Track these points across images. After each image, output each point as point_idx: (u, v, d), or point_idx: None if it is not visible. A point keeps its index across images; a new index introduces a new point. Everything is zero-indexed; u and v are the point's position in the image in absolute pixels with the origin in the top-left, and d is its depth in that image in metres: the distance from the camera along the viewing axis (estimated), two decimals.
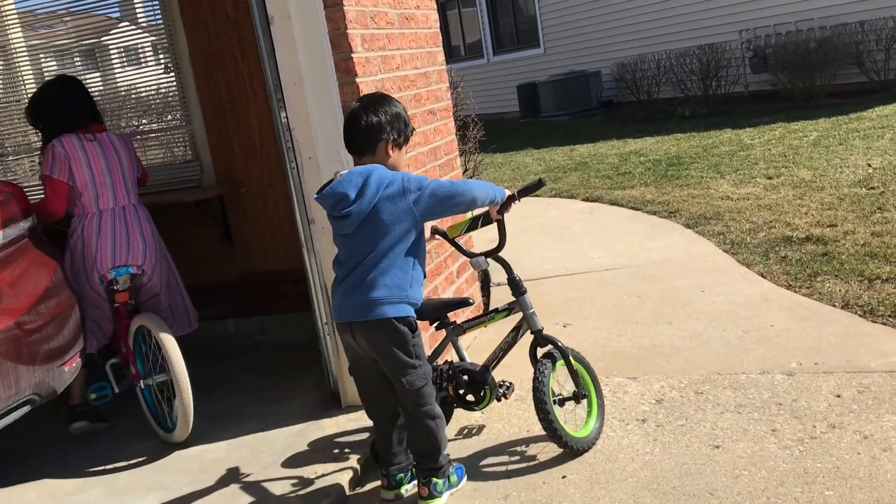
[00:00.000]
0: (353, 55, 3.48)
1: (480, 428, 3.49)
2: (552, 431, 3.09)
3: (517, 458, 3.22)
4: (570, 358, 3.19)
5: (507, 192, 3.01)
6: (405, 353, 2.79)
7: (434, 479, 2.89)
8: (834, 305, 4.31)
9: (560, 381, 3.24)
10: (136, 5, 4.80)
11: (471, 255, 3.31)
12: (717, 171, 7.90)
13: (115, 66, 5.71)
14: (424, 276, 2.89)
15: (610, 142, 11.03)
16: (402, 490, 3.02)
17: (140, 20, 5.11)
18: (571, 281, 5.45)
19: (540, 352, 3.25)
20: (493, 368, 3.29)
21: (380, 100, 2.83)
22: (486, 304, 5.05)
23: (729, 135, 9.79)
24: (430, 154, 4.27)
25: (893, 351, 3.67)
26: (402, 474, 3.02)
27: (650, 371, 3.86)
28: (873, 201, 5.88)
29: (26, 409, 3.10)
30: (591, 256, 5.91)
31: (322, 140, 3.54)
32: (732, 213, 6.29)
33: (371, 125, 2.75)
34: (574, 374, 3.24)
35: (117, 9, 5.15)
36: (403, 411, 2.92)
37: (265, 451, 3.47)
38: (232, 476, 3.31)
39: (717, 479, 2.86)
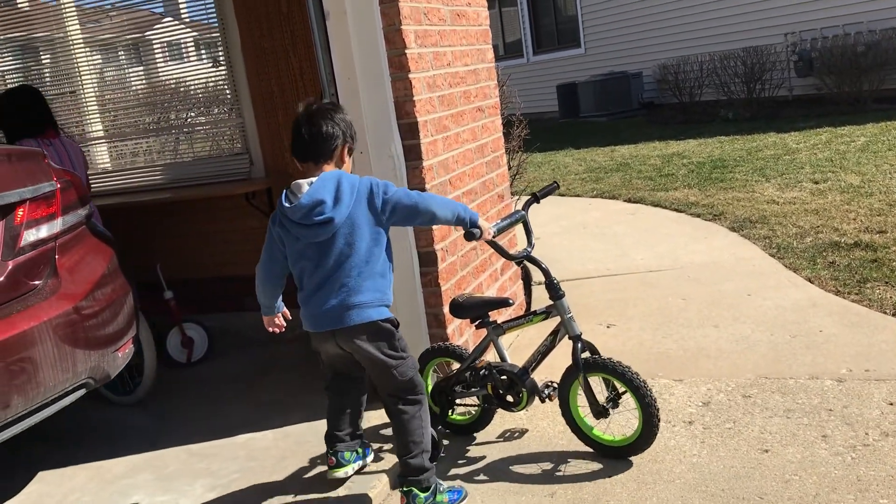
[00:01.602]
0: (406, 51, 3.50)
1: (523, 431, 3.49)
2: (584, 440, 3.16)
3: (563, 455, 3.22)
4: (581, 377, 3.07)
5: (481, 221, 2.92)
6: (393, 349, 2.83)
7: (416, 491, 2.82)
8: (885, 312, 4.24)
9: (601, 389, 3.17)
10: (191, 2, 4.86)
11: (511, 257, 3.25)
12: (762, 174, 7.81)
13: (166, 59, 5.81)
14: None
15: (651, 143, 10.94)
16: (350, 468, 3.05)
17: (193, 16, 5.18)
18: (614, 282, 5.42)
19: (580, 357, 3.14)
20: (532, 371, 3.25)
21: (332, 107, 2.86)
22: (529, 303, 5.05)
23: (773, 138, 9.67)
24: (478, 151, 4.28)
25: None
26: (349, 452, 3.06)
27: (696, 374, 3.83)
28: None
29: (82, 392, 3.16)
30: (634, 257, 5.88)
31: (373, 134, 3.56)
32: (778, 217, 6.21)
33: (331, 132, 2.76)
34: (606, 382, 3.13)
35: (172, 4, 5.22)
36: (391, 408, 2.89)
37: (311, 441, 3.50)
38: (279, 465, 3.35)
39: (767, 484, 2.83)
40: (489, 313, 3.32)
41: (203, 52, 5.46)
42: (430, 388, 3.44)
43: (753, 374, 3.73)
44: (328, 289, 2.76)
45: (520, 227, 3.36)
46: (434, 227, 3.66)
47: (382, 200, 2.73)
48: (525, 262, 3.21)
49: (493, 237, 3.02)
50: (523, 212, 3.25)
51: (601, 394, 3.11)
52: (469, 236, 2.93)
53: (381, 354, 2.81)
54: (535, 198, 3.31)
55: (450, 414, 3.47)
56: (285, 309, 3.03)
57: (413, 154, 3.58)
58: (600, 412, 3.10)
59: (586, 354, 3.11)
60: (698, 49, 13.83)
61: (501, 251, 3.14)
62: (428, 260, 3.65)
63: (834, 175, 7.22)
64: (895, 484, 2.74)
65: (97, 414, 4.20)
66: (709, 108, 13.14)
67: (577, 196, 8.37)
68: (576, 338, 3.11)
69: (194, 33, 5.31)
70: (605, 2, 15.92)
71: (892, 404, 3.29)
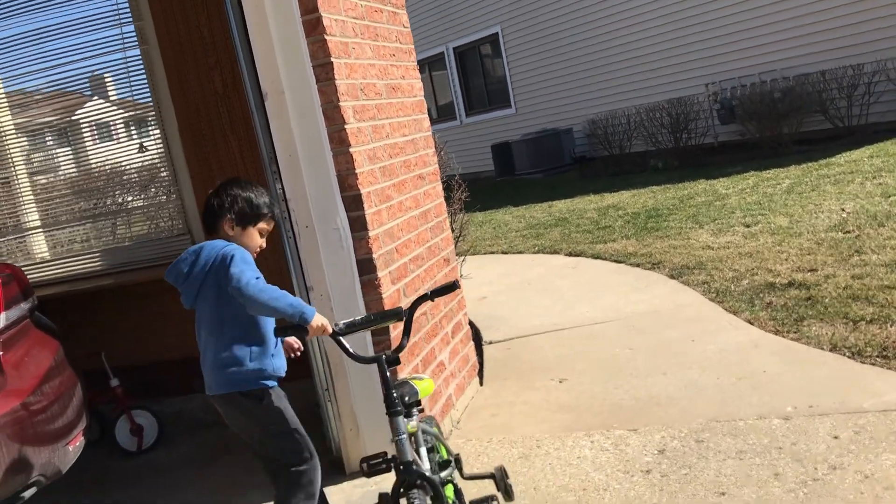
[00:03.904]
0: (346, 126, 3.58)
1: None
2: None
3: None
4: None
5: (318, 317, 2.71)
6: (258, 423, 2.81)
7: None
8: (822, 348, 4.40)
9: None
10: (124, 84, 4.88)
11: (357, 359, 2.83)
12: (695, 221, 8.07)
13: (96, 143, 5.79)
14: (275, 344, 2.86)
15: (587, 197, 11.22)
16: None
17: (126, 97, 5.20)
18: (561, 336, 5.51)
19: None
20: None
21: (228, 183, 2.93)
22: (481, 363, 5.10)
23: (703, 185, 10.01)
24: (422, 217, 4.36)
25: (885, 390, 3.75)
26: None
27: (649, 422, 3.90)
28: (850, 245, 6.03)
29: (32, 490, 3.08)
30: (579, 311, 5.99)
31: (318, 208, 3.62)
32: (714, 262, 6.42)
33: (213, 205, 2.88)
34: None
35: (100, 87, 5.23)
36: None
37: None
38: None
39: None
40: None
41: (139, 134, 5.47)
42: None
43: (704, 419, 3.82)
44: (205, 355, 2.85)
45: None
46: (383, 293, 3.71)
47: (227, 273, 2.71)
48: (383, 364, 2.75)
49: (342, 334, 2.77)
50: (403, 309, 2.92)
51: None
52: (289, 330, 2.76)
53: (247, 429, 2.84)
54: (428, 296, 2.85)
55: None
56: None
57: (359, 225, 3.63)
58: None
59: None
60: (625, 103, 14.33)
61: (346, 352, 2.78)
62: (380, 329, 3.68)
63: (763, 218, 7.51)
64: None
65: None
66: (639, 158, 13.57)
67: (520, 253, 8.51)
68: (406, 464, 2.62)
69: (127, 114, 5.32)
70: (532, 63, 16.43)
71: (836, 437, 3.40)
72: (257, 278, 2.71)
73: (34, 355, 3.27)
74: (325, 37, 3.53)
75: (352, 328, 2.83)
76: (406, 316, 2.83)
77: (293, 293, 3.76)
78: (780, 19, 12.04)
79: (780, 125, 11.52)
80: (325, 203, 3.61)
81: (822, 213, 7.18)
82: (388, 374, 2.74)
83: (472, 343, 4.91)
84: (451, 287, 2.88)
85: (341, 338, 2.78)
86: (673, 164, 12.47)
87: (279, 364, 2.88)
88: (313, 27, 3.52)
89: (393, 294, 3.80)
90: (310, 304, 3.70)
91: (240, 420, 2.85)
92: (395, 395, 2.69)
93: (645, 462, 3.50)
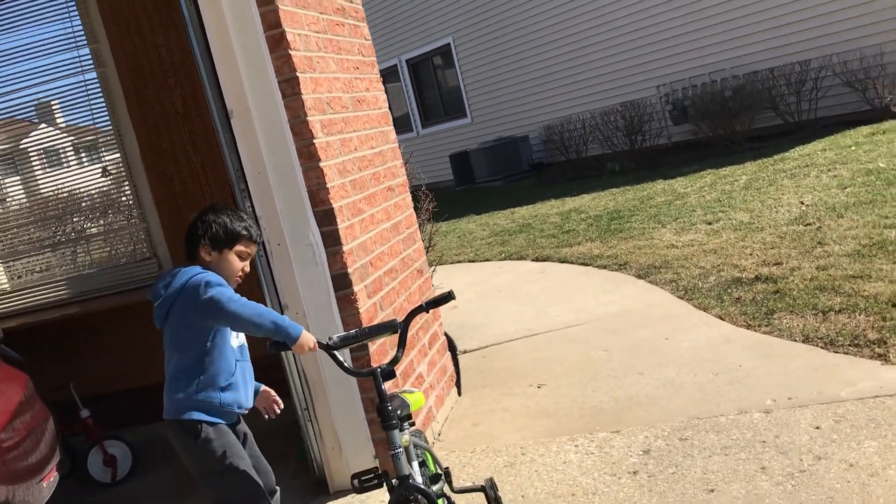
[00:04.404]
0: (314, 141, 3.54)
1: None
2: None
3: None
4: None
5: (303, 336, 2.64)
6: (194, 459, 2.73)
7: None
8: (795, 340, 4.46)
9: None
10: (83, 109, 4.77)
11: (352, 373, 2.84)
12: (657, 221, 8.15)
13: (52, 171, 5.65)
14: (231, 377, 2.75)
15: (548, 202, 11.28)
16: None
17: (86, 123, 5.09)
18: (536, 341, 5.51)
19: None
20: None
21: (205, 209, 2.89)
22: (457, 372, 5.08)
23: (662, 185, 10.13)
24: (393, 229, 4.33)
25: (859, 378, 3.81)
26: None
27: (631, 423, 3.91)
28: (812, 237, 6.14)
29: None
30: (551, 315, 6.00)
31: (289, 225, 3.57)
32: (680, 261, 6.48)
33: (189, 232, 2.84)
34: None
35: (46, 112, 5.11)
36: None
37: None
38: None
39: None
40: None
41: (94, 159, 5.36)
42: None
43: (685, 416, 3.84)
44: (166, 377, 2.78)
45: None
46: (360, 308, 3.67)
47: (198, 296, 2.66)
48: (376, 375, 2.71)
49: (336, 348, 2.72)
50: (398, 321, 2.82)
51: None
52: (274, 347, 2.67)
53: (187, 460, 2.75)
54: (424, 308, 2.82)
55: None
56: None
57: (332, 240, 3.59)
58: None
59: None
60: (580, 108, 14.47)
61: (340, 365, 2.74)
62: (358, 346, 3.63)
63: (724, 214, 7.61)
64: None
65: None
66: (596, 162, 13.69)
67: (487, 260, 8.52)
68: (403, 479, 2.58)
69: (85, 139, 5.21)
70: (485, 72, 16.50)
71: (818, 428, 3.44)
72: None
73: (3, 390, 3.17)
74: (290, 52, 3.49)
75: (346, 342, 2.78)
76: (401, 328, 2.77)
77: None
78: (727, 19, 12.26)
79: (732, 123, 11.71)
80: (296, 219, 3.57)
81: (781, 206, 7.31)
82: (383, 387, 2.68)
83: (448, 353, 4.88)
84: (446, 298, 2.80)
85: (335, 352, 2.74)
86: (629, 166, 12.60)
87: (231, 399, 2.74)
88: (277, 42, 3.48)
89: (370, 308, 3.77)
90: None
91: (180, 451, 2.75)
92: (389, 408, 2.65)
93: (631, 463, 3.51)
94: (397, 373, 2.84)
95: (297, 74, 3.50)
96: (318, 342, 2.71)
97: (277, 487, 2.95)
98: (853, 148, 8.87)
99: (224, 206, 2.92)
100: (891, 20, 10.54)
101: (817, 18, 11.22)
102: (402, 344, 2.76)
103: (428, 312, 2.85)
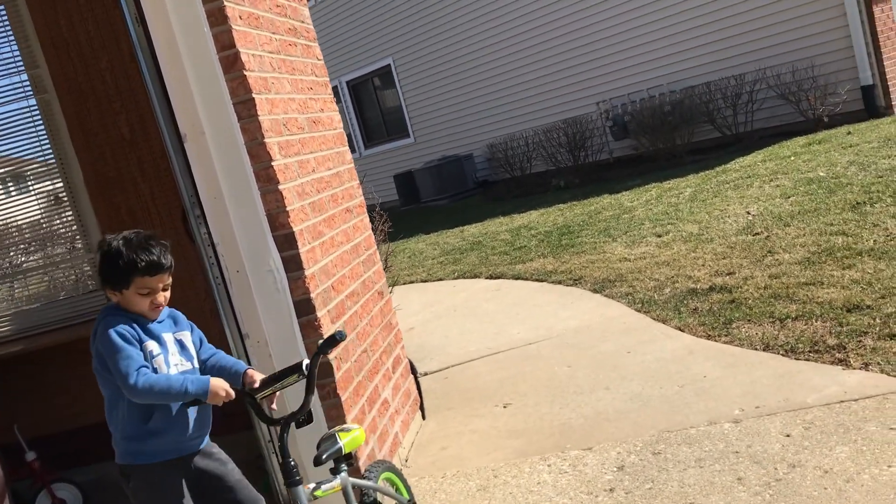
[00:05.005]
0: (272, 163, 3.44)
1: None
2: None
3: None
4: None
5: (212, 383, 2.50)
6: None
7: None
8: (755, 349, 4.49)
9: None
10: (19, 137, 4.56)
11: (266, 420, 2.75)
12: (607, 235, 8.21)
13: None
14: (141, 423, 2.56)
15: (497, 219, 11.29)
16: None
17: (23, 151, 4.87)
18: (498, 360, 5.46)
19: None
20: None
21: (101, 244, 2.63)
22: (421, 397, 4.98)
23: (608, 200, 10.23)
24: (353, 251, 4.24)
25: (824, 384, 3.85)
26: None
27: (602, 439, 3.88)
28: (761, 246, 6.24)
29: None
30: (511, 332, 5.96)
31: (248, 251, 3.44)
32: (634, 274, 6.52)
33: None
34: None
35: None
36: None
37: None
38: None
39: None
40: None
41: (39, 188, 5.13)
42: None
43: (656, 430, 3.82)
44: None
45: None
46: (324, 334, 3.56)
47: (96, 348, 2.54)
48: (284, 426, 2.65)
49: (251, 395, 2.63)
50: (305, 363, 2.64)
51: None
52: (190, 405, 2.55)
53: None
54: (323, 350, 2.74)
55: None
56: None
57: (293, 265, 3.48)
58: None
59: None
60: (522, 125, 14.58)
61: (258, 414, 2.68)
62: (323, 371, 3.53)
63: (673, 226, 7.70)
64: None
65: None
66: (540, 178, 13.78)
67: (440, 280, 8.45)
68: None
69: (38, 167, 4.99)
70: (426, 92, 16.51)
71: (788, 436, 3.46)
72: (139, 368, 2.44)
73: None
74: (245, 72, 3.39)
75: (257, 390, 2.65)
76: (308, 371, 2.62)
77: (226, 341, 3.58)
78: (663, 35, 12.51)
79: (673, 137, 11.92)
80: (255, 244, 3.44)
81: (728, 217, 7.43)
82: (286, 439, 2.59)
83: (412, 376, 4.79)
84: (334, 337, 2.68)
85: (255, 398, 2.64)
86: (574, 181, 12.71)
87: (156, 445, 2.56)
88: (231, 64, 3.38)
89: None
90: (246, 353, 3.53)
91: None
92: (292, 463, 2.57)
93: (606, 480, 3.47)
94: (313, 418, 2.72)
95: (253, 96, 3.40)
96: (236, 389, 2.59)
97: None
98: (792, 158, 9.10)
99: (123, 237, 2.58)
100: (821, 33, 10.89)
101: (751, 33, 11.52)
102: (309, 388, 2.64)
103: (327, 355, 2.73)
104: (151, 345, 2.57)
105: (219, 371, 2.72)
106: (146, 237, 2.60)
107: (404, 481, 3.26)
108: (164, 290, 2.62)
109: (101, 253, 2.58)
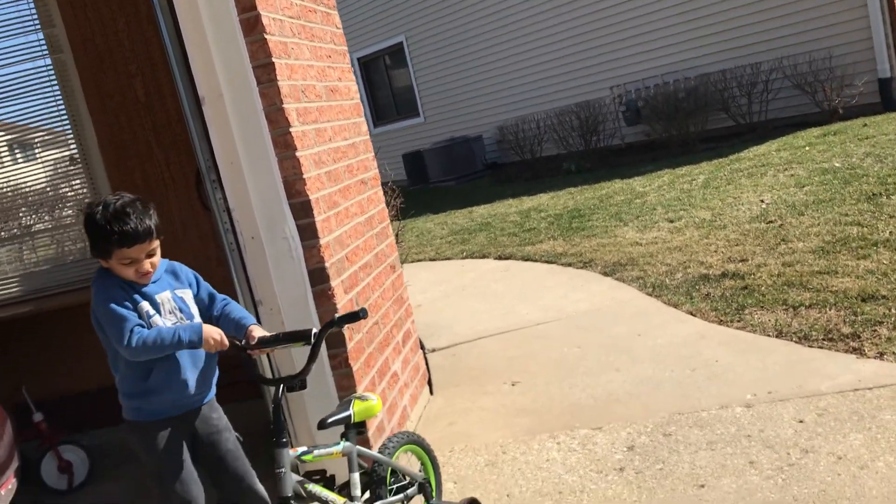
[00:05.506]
0: (290, 129, 3.40)
1: None
2: None
3: None
4: None
5: (204, 329, 2.50)
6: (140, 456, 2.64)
7: None
8: (768, 335, 4.46)
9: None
10: (34, 101, 4.52)
11: (262, 381, 2.88)
12: (619, 219, 8.16)
13: (10, 163, 5.38)
14: (141, 381, 2.55)
15: (506, 201, 11.24)
16: None
17: (38, 116, 4.82)
18: (507, 339, 5.44)
19: None
20: None
21: (86, 209, 2.56)
22: (428, 370, 4.97)
23: (620, 185, 10.17)
24: (367, 223, 4.21)
25: (838, 372, 3.82)
26: None
27: (612, 419, 3.86)
28: (775, 234, 6.19)
29: None
30: (520, 313, 5.93)
31: (264, 217, 3.41)
32: (645, 258, 6.48)
33: None
34: None
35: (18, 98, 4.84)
36: None
37: None
38: None
39: None
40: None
41: (51, 151, 5.09)
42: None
43: (667, 412, 3.80)
44: None
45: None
46: (337, 304, 3.53)
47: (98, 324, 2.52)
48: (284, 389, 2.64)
49: (248, 349, 2.61)
50: (314, 331, 2.62)
51: None
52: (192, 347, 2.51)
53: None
54: (335, 323, 2.71)
55: None
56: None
57: (308, 233, 3.45)
58: None
59: None
60: (534, 108, 14.48)
61: (251, 371, 2.73)
62: (335, 341, 3.51)
63: (686, 212, 7.65)
64: (829, 498, 2.83)
65: None
66: (551, 162, 13.71)
67: (448, 259, 8.43)
68: (282, 500, 2.50)
69: (42, 130, 4.95)
70: (438, 71, 16.42)
71: (801, 422, 3.43)
72: (133, 328, 2.42)
73: None
74: (265, 36, 3.34)
75: (261, 345, 2.63)
76: (315, 341, 2.60)
77: None
78: (680, 21, 12.40)
79: (686, 124, 11.83)
80: (271, 211, 3.41)
81: (741, 205, 7.37)
82: (279, 400, 2.57)
83: (420, 351, 4.77)
84: (357, 315, 2.64)
85: (249, 352, 2.63)
86: (585, 165, 12.64)
87: (157, 403, 2.56)
88: (252, 26, 3.33)
89: (346, 304, 3.64)
90: (259, 320, 3.50)
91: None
92: (282, 423, 2.54)
93: (616, 460, 3.45)
94: (308, 384, 2.70)
95: (273, 60, 3.35)
96: (231, 342, 2.57)
97: (260, 487, 2.79)
98: (807, 148, 9.02)
99: (113, 202, 2.49)
100: (840, 24, 10.77)
101: (768, 22, 11.40)
102: (312, 357, 2.61)
103: (341, 328, 2.74)
104: (146, 305, 2.54)
105: (224, 320, 2.70)
106: (123, 205, 2.48)
107: (433, 459, 3.19)
108: (151, 255, 2.55)
109: (90, 213, 2.50)
